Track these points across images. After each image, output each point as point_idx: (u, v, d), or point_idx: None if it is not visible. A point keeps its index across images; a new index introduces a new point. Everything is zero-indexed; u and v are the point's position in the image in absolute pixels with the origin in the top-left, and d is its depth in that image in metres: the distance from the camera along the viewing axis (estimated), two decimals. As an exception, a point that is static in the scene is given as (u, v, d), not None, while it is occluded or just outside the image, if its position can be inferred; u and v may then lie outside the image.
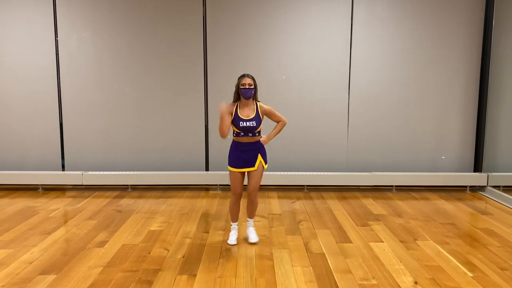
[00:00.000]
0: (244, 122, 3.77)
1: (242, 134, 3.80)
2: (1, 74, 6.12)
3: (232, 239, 3.98)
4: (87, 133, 6.22)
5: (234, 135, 3.87)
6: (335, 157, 6.29)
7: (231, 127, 3.85)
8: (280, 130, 3.97)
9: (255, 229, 4.13)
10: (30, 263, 3.53)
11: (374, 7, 6.04)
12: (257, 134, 3.84)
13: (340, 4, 6.02)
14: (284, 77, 6.12)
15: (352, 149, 6.28)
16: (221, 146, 6.18)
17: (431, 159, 6.34)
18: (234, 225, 4.07)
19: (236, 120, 3.80)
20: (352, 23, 6.07)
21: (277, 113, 3.94)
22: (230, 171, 3.90)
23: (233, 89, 3.89)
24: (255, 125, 3.79)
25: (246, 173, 3.93)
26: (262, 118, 3.87)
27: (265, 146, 3.95)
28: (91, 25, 6.04)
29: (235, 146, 3.89)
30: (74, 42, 6.07)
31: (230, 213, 4.06)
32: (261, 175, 3.91)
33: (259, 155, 3.87)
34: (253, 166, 3.86)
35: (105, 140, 6.25)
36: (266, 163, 3.94)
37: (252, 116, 3.80)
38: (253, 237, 3.99)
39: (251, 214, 4.05)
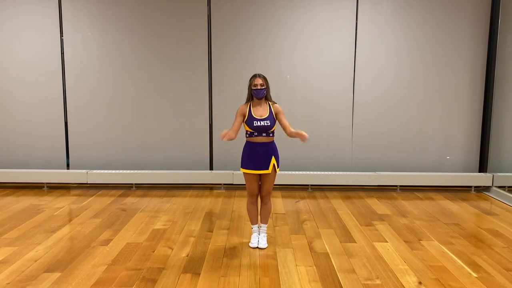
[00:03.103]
0: (258, 122, 3.70)
1: (256, 134, 3.72)
2: (6, 73, 6.15)
3: (254, 241, 3.90)
4: (92, 132, 6.25)
5: (247, 135, 3.79)
6: (339, 156, 6.28)
7: (244, 126, 3.77)
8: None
9: (267, 236, 4.03)
10: (35, 261, 3.55)
11: (379, 6, 6.02)
12: (271, 135, 3.77)
13: (345, 4, 6.01)
14: (288, 76, 6.12)
15: (356, 148, 6.27)
16: (227, 147, 6.21)
17: (436, 159, 6.32)
18: (255, 228, 3.98)
19: (249, 119, 3.72)
20: (357, 23, 6.05)
21: (285, 117, 3.82)
22: (244, 173, 3.81)
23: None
24: (269, 124, 3.71)
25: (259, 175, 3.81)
26: (276, 118, 3.79)
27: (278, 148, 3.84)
28: (96, 24, 6.06)
29: (248, 147, 3.80)
30: (79, 41, 6.09)
31: (249, 215, 3.98)
32: (274, 179, 3.84)
33: (272, 157, 3.77)
34: (267, 168, 3.75)
35: (110, 139, 6.27)
36: (278, 166, 3.83)
37: (266, 115, 3.74)
38: (263, 243, 3.87)
39: (264, 219, 3.95)
